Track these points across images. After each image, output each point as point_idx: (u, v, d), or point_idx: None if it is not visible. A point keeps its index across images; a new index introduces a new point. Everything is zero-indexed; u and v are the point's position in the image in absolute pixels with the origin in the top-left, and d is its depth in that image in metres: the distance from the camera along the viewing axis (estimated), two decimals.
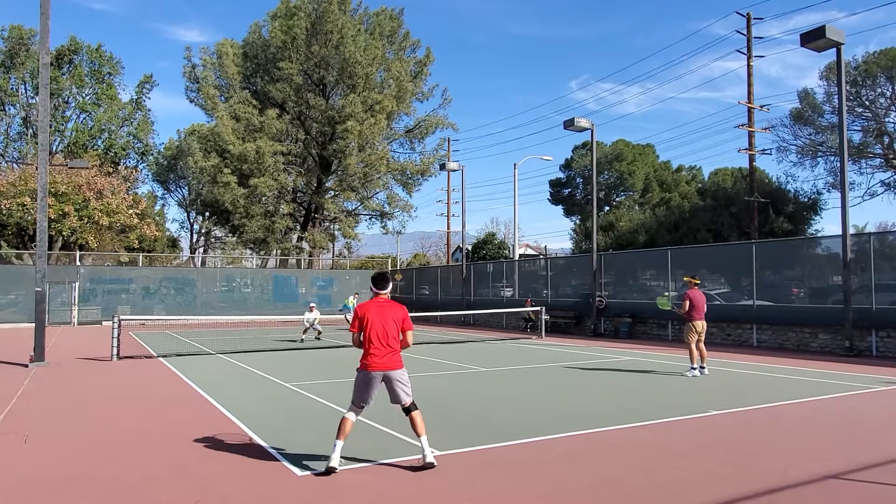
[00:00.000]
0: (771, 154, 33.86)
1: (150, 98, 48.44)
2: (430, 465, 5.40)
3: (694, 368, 11.54)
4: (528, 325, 23.98)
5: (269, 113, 36.20)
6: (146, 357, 14.99)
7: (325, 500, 4.76)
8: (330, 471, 5.25)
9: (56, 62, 42.02)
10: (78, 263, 30.04)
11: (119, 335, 14.52)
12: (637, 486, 5.05)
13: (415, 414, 5.54)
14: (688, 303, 11.74)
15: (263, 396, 9.46)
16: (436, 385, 10.56)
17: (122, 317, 15.38)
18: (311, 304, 20.66)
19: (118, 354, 14.27)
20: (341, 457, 5.37)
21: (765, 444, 6.46)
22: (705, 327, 11.87)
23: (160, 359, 14.56)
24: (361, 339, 5.60)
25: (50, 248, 31.17)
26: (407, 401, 5.58)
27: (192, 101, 41.45)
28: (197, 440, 6.60)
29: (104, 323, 27.18)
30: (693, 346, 11.64)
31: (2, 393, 9.64)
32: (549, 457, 5.94)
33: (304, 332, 19.76)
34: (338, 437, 5.39)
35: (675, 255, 21.00)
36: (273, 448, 6.17)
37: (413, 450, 6.10)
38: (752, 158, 29.98)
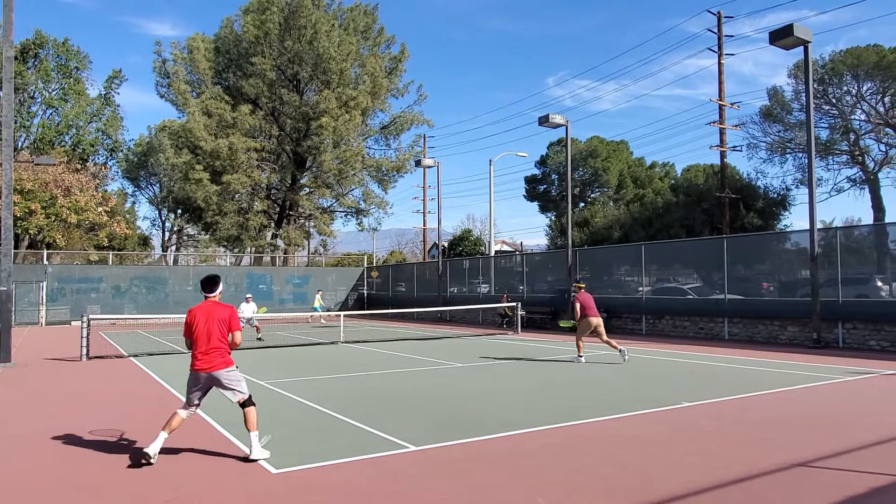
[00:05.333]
0: (742, 151, 34.46)
1: (119, 93, 47.76)
2: (253, 460, 5.57)
3: (580, 357, 12.89)
4: (504, 320, 24.07)
5: (242, 109, 35.75)
6: (117, 357, 14.71)
7: (301, 498, 4.72)
8: (144, 456, 5.44)
9: (21, 56, 40.96)
10: (45, 262, 29.35)
11: (88, 335, 14.22)
12: (612, 477, 5.11)
13: (248, 410, 5.71)
14: (579, 305, 12.86)
15: None
16: (412, 381, 10.55)
17: (91, 316, 15.07)
18: (248, 296, 19.33)
19: (88, 354, 13.98)
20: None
21: (735, 434, 6.58)
22: (601, 322, 12.94)
23: (131, 358, 14.31)
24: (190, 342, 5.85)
25: (16, 247, 30.42)
26: (238, 398, 5.76)
27: (162, 97, 40.71)
28: (169, 439, 6.50)
29: (73, 323, 26.61)
30: (581, 340, 13.04)
31: None
32: (527, 450, 5.98)
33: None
34: (164, 427, 5.66)
35: (648, 250, 21.26)
36: (247, 446, 6.09)
37: (391, 446, 6.10)
38: (723, 155, 30.47)
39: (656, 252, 21.49)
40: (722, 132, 29.99)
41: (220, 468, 5.47)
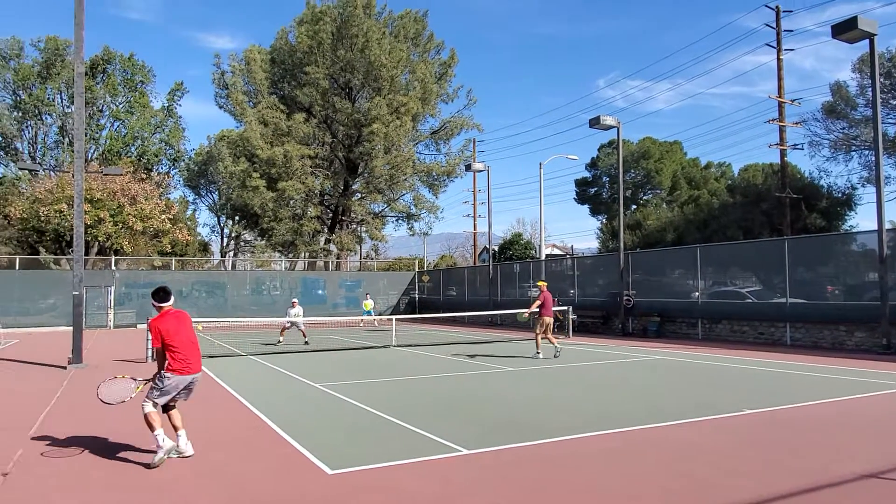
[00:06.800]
0: (803, 149, 33.20)
1: (181, 105, 49.57)
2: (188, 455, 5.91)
3: (539, 353, 14.14)
4: (555, 324, 23.84)
5: (297, 117, 36.64)
6: None
7: (357, 498, 4.81)
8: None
9: (90, 72, 43.08)
10: (113, 268, 30.73)
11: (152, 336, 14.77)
12: (672, 485, 5.01)
13: (175, 412, 6.05)
14: (540, 302, 14.18)
15: (294, 397, 9.59)
16: (464, 384, 10.58)
17: None
18: (294, 300, 19.77)
19: (153, 356, 14.54)
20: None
21: (801, 443, 6.36)
22: (552, 321, 14.50)
23: None
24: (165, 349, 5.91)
25: (86, 254, 31.93)
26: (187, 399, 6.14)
27: (221, 108, 42.18)
28: (230, 439, 6.74)
29: (139, 326, 27.75)
30: (539, 336, 14.27)
31: (42, 393, 9.93)
32: (583, 454, 5.93)
33: (282, 332, 18.99)
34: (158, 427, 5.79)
35: (703, 252, 20.70)
36: (304, 447, 6.26)
37: (442, 448, 6.15)
38: (783, 153, 29.43)
39: (712, 254, 20.91)
40: (782, 130, 28.97)
41: (278, 467, 5.63)
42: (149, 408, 5.80)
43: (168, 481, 5.25)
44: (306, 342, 18.43)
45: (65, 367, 13.34)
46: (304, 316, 19.25)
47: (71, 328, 14.13)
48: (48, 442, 6.65)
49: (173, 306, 6.17)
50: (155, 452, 5.68)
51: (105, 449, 6.33)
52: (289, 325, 18.84)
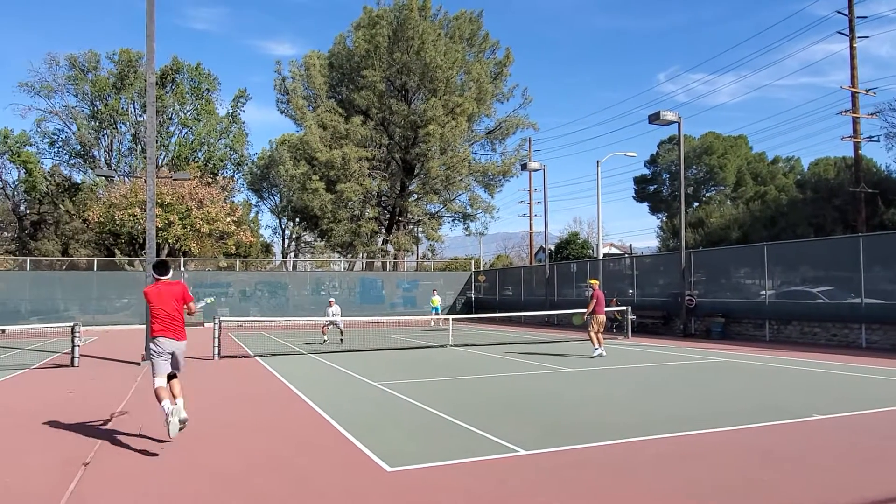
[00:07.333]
0: (879, 141, 31.52)
1: (244, 111, 51.31)
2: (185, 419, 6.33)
3: (597, 349, 14.25)
4: (614, 325, 23.44)
5: (354, 120, 37.31)
6: (244, 356, 15.81)
7: (414, 496, 4.89)
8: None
9: (160, 81, 45.10)
10: (182, 269, 32.05)
11: (220, 336, 15.39)
12: (737, 491, 4.88)
13: (176, 381, 6.61)
14: (594, 301, 14.59)
15: (353, 394, 9.79)
16: (521, 385, 10.55)
17: (221, 318, 16.29)
18: (331, 299, 20.08)
19: (219, 354, 15.13)
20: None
21: (878, 450, 6.05)
22: (605, 320, 15.00)
23: (256, 358, 15.32)
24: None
25: (157, 255, 33.44)
26: (181, 369, 6.72)
27: (282, 113, 43.41)
28: (292, 435, 6.95)
29: (206, 325, 28.85)
30: (594, 334, 14.42)
31: (117, 389, 10.49)
32: (642, 458, 5.83)
33: (323, 331, 19.21)
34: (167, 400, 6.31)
35: (771, 251, 19.92)
36: (363, 444, 6.39)
37: (501, 449, 6.16)
38: (857, 146, 28.00)
39: (781, 253, 20.09)
40: (855, 121, 27.57)
41: (337, 463, 5.77)
42: (157, 382, 6.44)
43: (237, 474, 5.47)
44: (341, 340, 18.71)
45: (138, 364, 14.03)
46: (366, 315, 19.56)
47: (144, 326, 14.81)
48: (124, 433, 7.02)
49: (171, 278, 6.84)
50: (168, 427, 6.14)
51: (176, 441, 6.62)
52: (328, 323, 19.14)
